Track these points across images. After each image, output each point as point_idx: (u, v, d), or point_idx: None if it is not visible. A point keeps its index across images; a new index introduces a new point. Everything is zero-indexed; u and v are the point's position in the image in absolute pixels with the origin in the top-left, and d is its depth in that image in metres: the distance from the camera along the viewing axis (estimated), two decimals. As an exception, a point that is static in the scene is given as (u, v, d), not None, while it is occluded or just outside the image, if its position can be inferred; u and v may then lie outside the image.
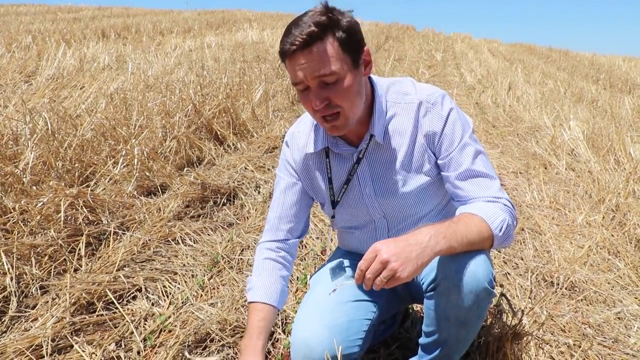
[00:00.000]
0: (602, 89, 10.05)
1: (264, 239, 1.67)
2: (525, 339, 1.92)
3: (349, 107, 1.36)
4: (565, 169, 4.37)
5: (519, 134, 5.76)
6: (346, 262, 1.73)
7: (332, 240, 2.72)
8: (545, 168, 4.46)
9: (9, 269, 2.24)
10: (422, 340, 1.52)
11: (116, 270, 2.41)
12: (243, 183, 3.73)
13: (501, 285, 2.49)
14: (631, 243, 2.96)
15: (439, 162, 1.48)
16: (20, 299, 2.20)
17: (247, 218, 3.22)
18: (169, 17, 18.76)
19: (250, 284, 1.59)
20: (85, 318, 2.09)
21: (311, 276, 1.79)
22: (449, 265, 1.31)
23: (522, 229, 3.13)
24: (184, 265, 2.58)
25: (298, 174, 1.63)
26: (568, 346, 2.03)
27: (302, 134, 1.60)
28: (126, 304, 2.25)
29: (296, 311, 1.72)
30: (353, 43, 1.34)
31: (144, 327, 2.10)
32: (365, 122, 1.47)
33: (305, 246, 2.83)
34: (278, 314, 1.63)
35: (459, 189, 1.43)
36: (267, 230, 1.67)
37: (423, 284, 1.43)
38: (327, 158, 1.56)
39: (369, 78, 1.48)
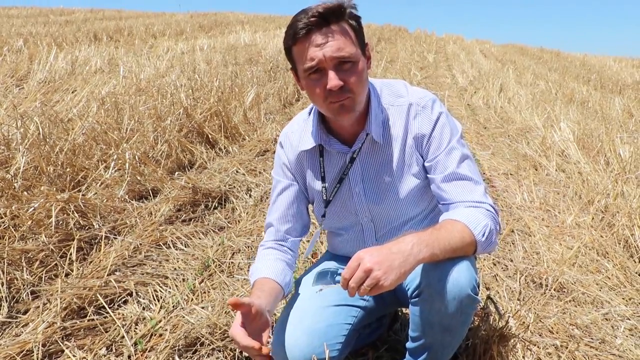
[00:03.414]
0: (592, 90, 10.12)
1: (264, 240, 1.68)
2: (512, 340, 1.94)
3: (360, 93, 1.38)
4: (556, 170, 4.39)
5: (510, 135, 5.79)
6: (333, 266, 1.74)
7: (322, 243, 2.74)
8: (536, 169, 4.49)
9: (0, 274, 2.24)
10: (409, 344, 1.53)
11: (107, 275, 2.41)
12: (234, 186, 3.73)
13: (488, 289, 2.51)
14: (620, 244, 2.99)
15: (426, 164, 1.50)
16: (11, 304, 2.20)
17: (238, 222, 3.22)
18: (161, 19, 18.71)
19: (250, 274, 1.58)
20: (76, 323, 2.09)
21: (298, 279, 1.80)
22: (432, 272, 1.32)
23: (512, 231, 3.15)
24: (175, 269, 2.59)
25: (293, 174, 1.64)
26: (555, 347, 2.05)
27: (295, 133, 1.62)
28: (117, 309, 2.25)
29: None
30: (361, 34, 1.38)
31: (134, 331, 2.10)
32: (361, 121, 1.49)
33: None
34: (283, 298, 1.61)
35: (444, 191, 1.45)
36: (267, 233, 1.68)
37: (408, 290, 1.44)
38: (321, 157, 1.57)
39: None
